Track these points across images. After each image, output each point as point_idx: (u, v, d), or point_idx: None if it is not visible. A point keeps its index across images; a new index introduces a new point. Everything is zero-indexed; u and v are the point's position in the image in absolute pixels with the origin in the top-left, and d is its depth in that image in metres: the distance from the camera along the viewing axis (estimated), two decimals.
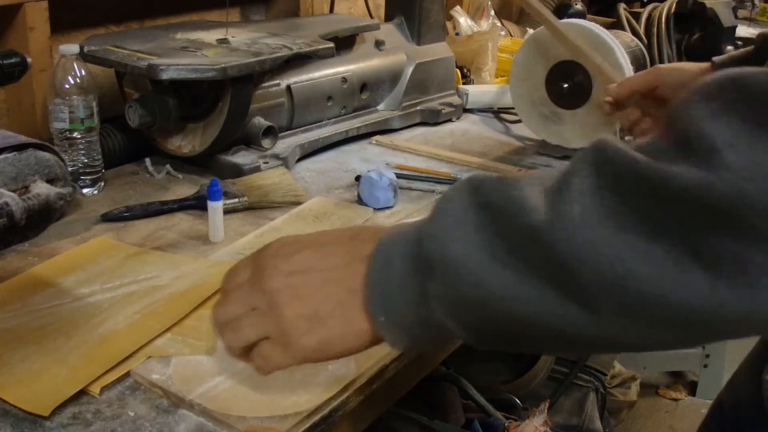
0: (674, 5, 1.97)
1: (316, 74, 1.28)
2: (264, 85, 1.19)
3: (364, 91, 1.37)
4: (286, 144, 1.22)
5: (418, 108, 1.47)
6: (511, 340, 0.51)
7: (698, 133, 0.39)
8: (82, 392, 0.66)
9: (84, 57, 1.07)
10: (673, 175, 0.39)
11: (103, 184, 1.09)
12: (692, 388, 2.29)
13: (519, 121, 1.46)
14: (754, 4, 2.48)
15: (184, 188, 1.11)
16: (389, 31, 1.47)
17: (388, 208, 1.08)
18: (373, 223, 1.03)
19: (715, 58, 1.10)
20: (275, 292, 0.55)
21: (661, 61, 1.90)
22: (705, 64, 1.10)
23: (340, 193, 1.14)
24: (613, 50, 1.26)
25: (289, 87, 1.23)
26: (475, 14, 1.93)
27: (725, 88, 0.40)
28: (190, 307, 0.79)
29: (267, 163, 1.16)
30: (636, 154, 0.42)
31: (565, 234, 0.42)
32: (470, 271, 0.47)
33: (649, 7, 2.00)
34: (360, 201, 1.09)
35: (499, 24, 1.89)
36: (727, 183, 0.38)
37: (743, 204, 0.37)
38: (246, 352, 0.58)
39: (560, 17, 1.43)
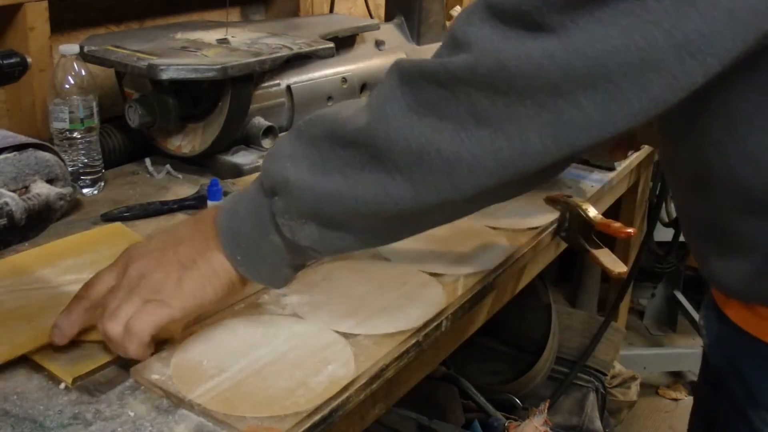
0: None
1: (316, 74, 1.28)
2: (264, 85, 1.19)
3: (364, 91, 1.37)
4: None
5: None
6: (355, 236, 0.62)
7: (461, 34, 0.54)
8: (83, 391, 0.66)
9: (84, 57, 1.07)
10: (448, 62, 0.54)
11: (103, 184, 1.10)
12: (692, 388, 2.28)
13: None
14: None
15: (184, 188, 1.11)
16: (389, 31, 1.47)
17: None
18: None
19: None
20: (141, 266, 0.65)
21: None
22: None
23: None
24: None
25: (289, 87, 1.23)
26: None
27: (478, 5, 0.55)
28: None
29: None
30: (423, 59, 0.56)
31: (381, 129, 0.56)
32: (307, 186, 0.60)
33: None
34: None
35: None
36: (487, 61, 0.52)
37: (502, 70, 0.51)
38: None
39: None
